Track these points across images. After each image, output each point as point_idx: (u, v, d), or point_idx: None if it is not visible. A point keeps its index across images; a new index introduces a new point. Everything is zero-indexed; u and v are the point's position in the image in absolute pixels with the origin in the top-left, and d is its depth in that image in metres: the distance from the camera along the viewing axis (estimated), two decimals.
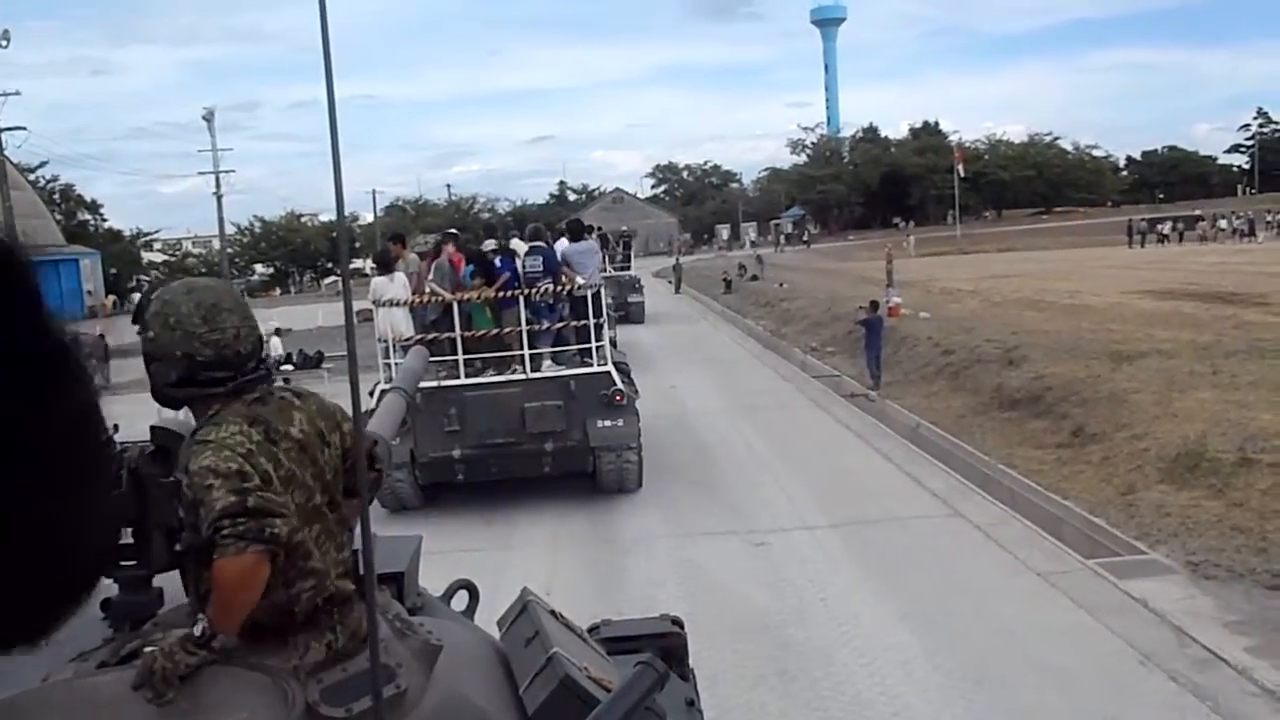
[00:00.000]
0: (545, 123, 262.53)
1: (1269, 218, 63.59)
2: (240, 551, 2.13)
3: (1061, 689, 6.81)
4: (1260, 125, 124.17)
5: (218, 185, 70.63)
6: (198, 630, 2.10)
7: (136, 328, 2.53)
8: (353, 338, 1.49)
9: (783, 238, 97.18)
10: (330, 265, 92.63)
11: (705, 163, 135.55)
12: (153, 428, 2.63)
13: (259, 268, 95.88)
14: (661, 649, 4.01)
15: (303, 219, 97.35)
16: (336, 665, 2.26)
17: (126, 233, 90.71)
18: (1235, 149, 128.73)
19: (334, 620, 2.34)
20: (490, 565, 9.60)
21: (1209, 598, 8.17)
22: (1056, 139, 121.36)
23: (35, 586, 0.71)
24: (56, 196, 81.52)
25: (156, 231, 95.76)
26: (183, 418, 3.09)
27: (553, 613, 3.32)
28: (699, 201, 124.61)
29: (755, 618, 8.40)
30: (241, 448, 2.27)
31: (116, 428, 2.75)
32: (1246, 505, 9.74)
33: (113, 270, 78.67)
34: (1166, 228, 67.02)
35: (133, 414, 3.48)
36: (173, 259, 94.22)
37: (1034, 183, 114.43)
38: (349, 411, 2.74)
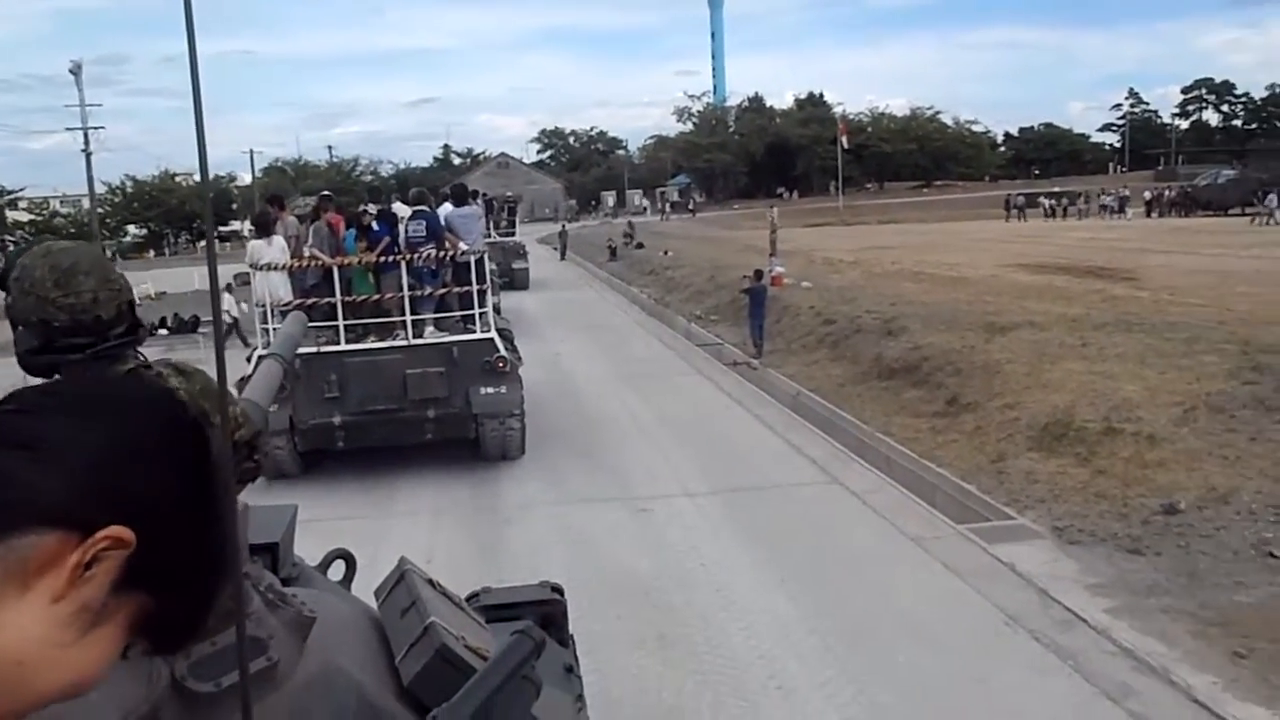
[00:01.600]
0: (428, 85, 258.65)
1: (1146, 194, 65.69)
2: None
3: (932, 650, 7.01)
4: (1131, 105, 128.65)
5: (86, 142, 67.88)
6: None
7: (3, 293, 2.43)
8: (219, 312, 1.46)
9: (668, 205, 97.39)
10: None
11: (591, 129, 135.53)
12: (9, 395, 2.54)
13: (131, 229, 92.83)
14: (541, 616, 4.02)
15: (177, 178, 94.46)
16: (205, 640, 2.22)
17: None
18: (1107, 128, 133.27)
19: None
20: (371, 533, 9.52)
21: (1072, 561, 8.48)
22: (938, 113, 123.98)
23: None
24: None
25: (21, 189, 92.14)
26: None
27: (430, 581, 3.30)
28: (585, 168, 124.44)
29: (636, 583, 8.47)
30: None
31: None
32: (1110, 472, 10.12)
33: None
34: (1050, 203, 68.90)
35: None
36: (39, 219, 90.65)
37: (915, 156, 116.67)
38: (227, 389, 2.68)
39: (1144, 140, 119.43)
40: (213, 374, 2.64)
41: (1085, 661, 6.73)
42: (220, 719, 1.76)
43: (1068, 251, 32.98)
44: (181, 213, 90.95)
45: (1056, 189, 78.00)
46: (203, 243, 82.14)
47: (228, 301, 22.25)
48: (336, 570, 3.68)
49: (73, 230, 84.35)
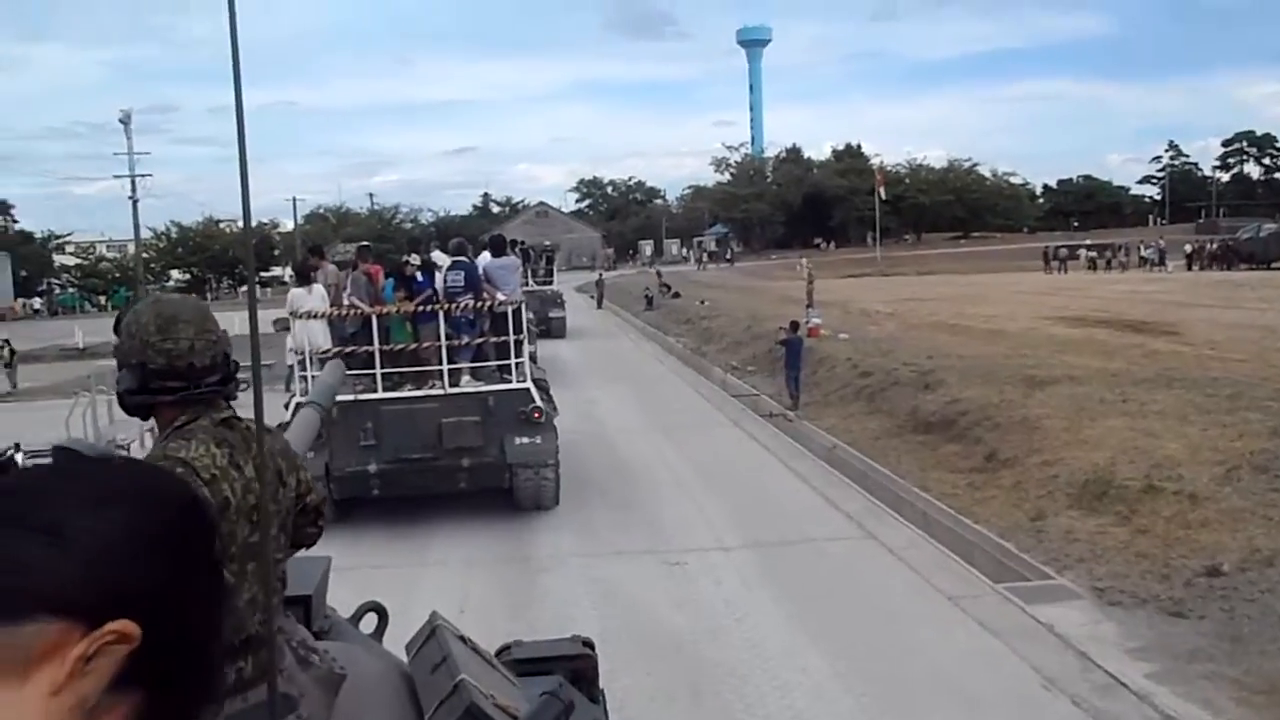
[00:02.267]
0: (466, 134, 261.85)
1: (1187, 247, 65.17)
2: None
3: (970, 711, 6.90)
4: (1171, 157, 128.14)
5: (133, 188, 69.22)
6: None
7: (117, 338, 2.56)
8: (258, 364, 1.47)
9: (705, 255, 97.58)
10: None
11: (629, 178, 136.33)
12: (55, 447, 2.57)
13: (175, 274, 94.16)
14: (571, 671, 4.01)
15: (220, 224, 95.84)
16: (238, 695, 2.22)
17: (38, 234, 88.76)
18: (1146, 180, 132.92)
19: (246, 653, 2.30)
20: (403, 583, 9.51)
21: (1113, 623, 8.33)
22: (975, 165, 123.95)
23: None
24: None
25: (69, 234, 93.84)
26: (93, 440, 3.02)
27: (461, 638, 3.29)
28: (623, 217, 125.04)
29: (669, 638, 8.41)
30: (207, 472, 2.27)
31: (18, 446, 2.69)
32: (1151, 532, 9.97)
33: (23, 272, 76.96)
34: (1092, 254, 68.44)
35: (37, 422, 3.38)
36: (85, 262, 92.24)
37: (953, 207, 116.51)
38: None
39: (1184, 192, 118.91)
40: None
41: None
42: None
43: (1107, 305, 32.75)
44: (224, 259, 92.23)
45: (1093, 241, 77.59)
46: (244, 288, 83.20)
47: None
48: (368, 623, 3.68)
49: (117, 275, 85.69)
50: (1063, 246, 72.27)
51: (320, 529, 2.80)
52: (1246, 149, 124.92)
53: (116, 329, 2.54)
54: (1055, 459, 12.28)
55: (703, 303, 40.51)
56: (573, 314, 37.36)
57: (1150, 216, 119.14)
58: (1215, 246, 63.18)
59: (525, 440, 11.85)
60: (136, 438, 11.70)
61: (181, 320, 2.44)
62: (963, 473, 13.25)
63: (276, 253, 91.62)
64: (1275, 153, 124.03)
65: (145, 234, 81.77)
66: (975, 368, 17.98)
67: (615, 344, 34.31)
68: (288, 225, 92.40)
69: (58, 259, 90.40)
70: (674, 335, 34.28)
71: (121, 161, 69.96)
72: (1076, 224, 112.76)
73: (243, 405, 2.24)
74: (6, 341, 30.01)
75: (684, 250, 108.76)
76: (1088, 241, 77.72)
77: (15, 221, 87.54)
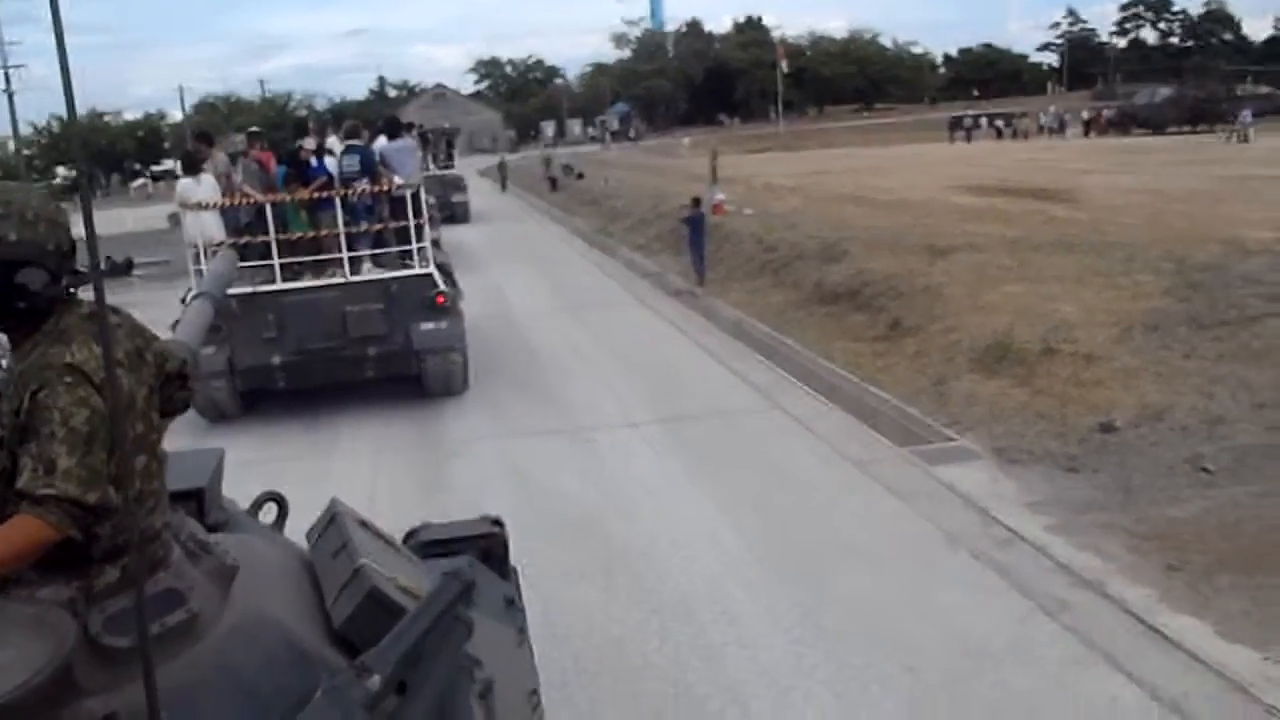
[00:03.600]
0: (360, 14, 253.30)
1: (1085, 114, 65.99)
2: (61, 528, 2.00)
3: (875, 572, 7.09)
4: (1070, 24, 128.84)
5: (7, 82, 66.22)
6: None
7: None
8: (95, 251, 1.39)
9: (608, 135, 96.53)
10: (138, 168, 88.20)
11: (529, 57, 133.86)
12: None
13: (61, 170, 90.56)
14: (482, 550, 4.03)
15: (105, 117, 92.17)
16: (120, 594, 2.17)
17: None
18: (1046, 47, 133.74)
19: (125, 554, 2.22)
20: (313, 473, 9.46)
21: (1012, 481, 8.58)
22: (877, 35, 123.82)
23: None
24: None
25: None
26: None
27: (362, 522, 3.26)
28: (523, 98, 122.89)
29: (580, 515, 8.48)
30: (96, 375, 2.11)
31: None
32: (1048, 392, 10.23)
33: None
34: (1000, 124, 68.96)
35: None
36: None
37: (855, 79, 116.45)
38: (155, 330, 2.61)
39: (1083, 59, 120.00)
40: (143, 317, 2.56)
41: (1023, 578, 6.83)
42: (139, 674, 1.72)
43: (1008, 173, 33.10)
44: (112, 153, 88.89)
45: (994, 111, 78.15)
46: (135, 183, 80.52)
47: None
48: (268, 514, 3.64)
49: (0, 173, 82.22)
50: (967, 116, 72.77)
51: (191, 391, 2.64)
52: (1143, 14, 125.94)
53: None
54: (957, 325, 12.49)
55: (607, 182, 40.16)
56: (476, 198, 36.88)
57: (1049, 84, 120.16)
58: (1112, 113, 64.07)
59: (431, 326, 11.73)
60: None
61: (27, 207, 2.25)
62: (867, 341, 13.43)
63: (166, 145, 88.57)
64: (1171, 17, 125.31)
65: (25, 129, 78.53)
66: (879, 239, 18.12)
67: (520, 227, 33.98)
68: (176, 116, 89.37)
69: None
70: (579, 216, 34.01)
71: None
72: (977, 93, 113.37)
73: (141, 304, 2.15)
74: None
75: (587, 130, 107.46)
76: (989, 111, 78.29)
77: None
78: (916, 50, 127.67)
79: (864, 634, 6.25)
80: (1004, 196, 25.89)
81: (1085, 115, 65.87)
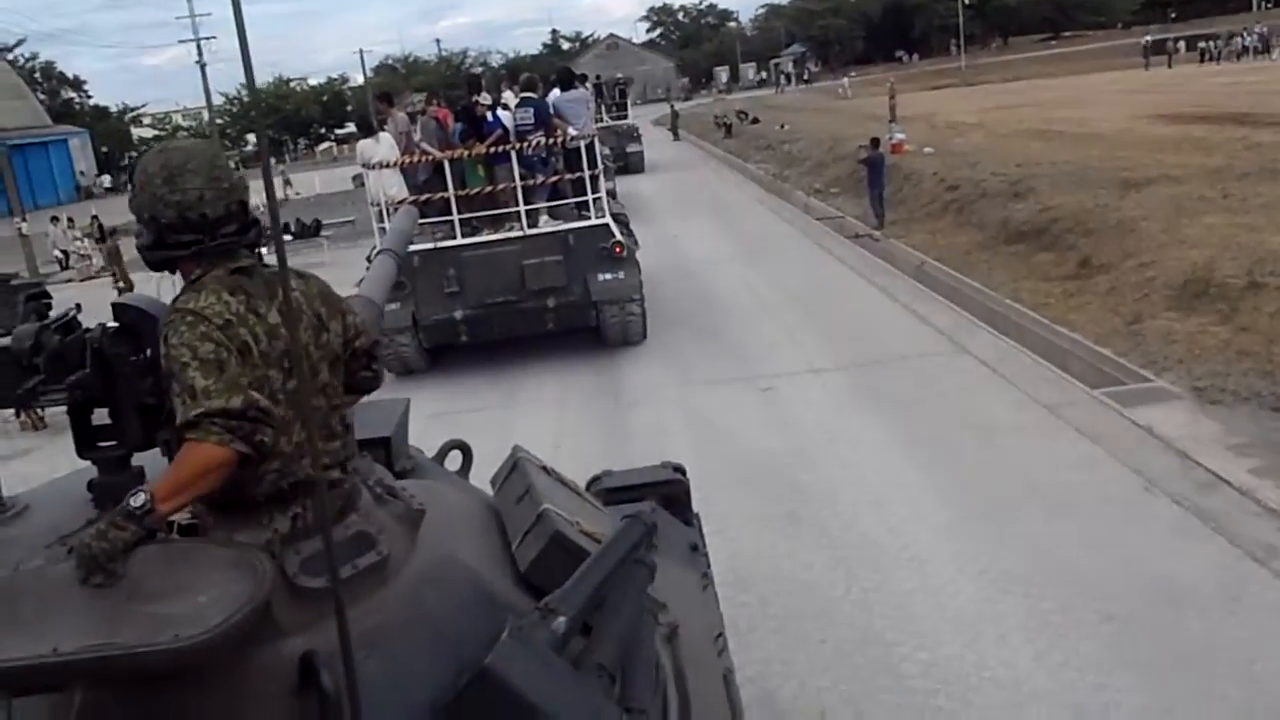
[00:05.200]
0: None
1: None
2: (224, 443, 2.07)
3: (1069, 518, 6.85)
4: None
5: (199, 54, 69.09)
6: (137, 502, 2.02)
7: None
8: (277, 217, 1.40)
9: (783, 77, 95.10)
10: (323, 131, 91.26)
11: (701, 3, 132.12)
12: (115, 305, 2.56)
13: (251, 137, 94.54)
14: (664, 496, 4.03)
15: (291, 84, 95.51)
16: (315, 536, 2.22)
17: (113, 109, 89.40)
18: None
19: (299, 497, 2.27)
20: (497, 424, 9.67)
21: (1214, 422, 8.16)
22: None
23: None
24: (38, 75, 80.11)
25: (144, 105, 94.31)
26: (154, 293, 3.00)
27: (545, 469, 3.29)
28: (696, 44, 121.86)
29: (763, 462, 8.44)
30: (220, 318, 2.19)
31: (79, 306, 2.68)
32: (1254, 329, 9.67)
33: (104, 149, 77.80)
34: (1203, 45, 64.61)
35: (129, 295, 3.38)
36: (163, 133, 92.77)
37: (1041, 6, 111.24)
38: (345, 300, 2.66)
39: None
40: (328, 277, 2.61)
41: (1229, 523, 6.50)
42: (333, 613, 1.76)
43: (1207, 99, 31.32)
44: (298, 119, 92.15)
45: (1191, 33, 73.55)
46: (321, 146, 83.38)
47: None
48: (453, 462, 3.70)
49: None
50: (1171, 38, 68.58)
51: (376, 373, 2.68)
52: None
53: (131, 182, 2.44)
54: (1152, 261, 11.91)
55: (782, 127, 39.63)
56: (650, 148, 36.87)
57: (1254, 1, 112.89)
58: None
59: (609, 276, 11.80)
60: None
61: (189, 169, 2.31)
62: (1056, 281, 12.93)
63: (350, 109, 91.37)
64: None
65: (217, 99, 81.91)
66: (1067, 174, 17.41)
67: (695, 175, 33.86)
68: (358, 79, 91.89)
69: (135, 132, 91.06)
70: (754, 162, 33.69)
71: (186, 26, 69.58)
72: (1174, 14, 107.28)
73: (329, 264, 2.19)
74: (95, 218, 30.51)
75: (760, 74, 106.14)
76: (1187, 33, 73.81)
77: (89, 97, 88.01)
78: None
79: (1058, 581, 6.05)
80: (1203, 124, 24.50)
81: None
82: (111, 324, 2.51)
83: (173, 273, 2.40)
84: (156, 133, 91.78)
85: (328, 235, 24.96)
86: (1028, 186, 16.90)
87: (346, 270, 8.01)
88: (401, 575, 2.36)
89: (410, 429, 3.51)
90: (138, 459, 2.52)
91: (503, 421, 9.96)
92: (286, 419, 2.23)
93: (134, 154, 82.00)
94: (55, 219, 31.08)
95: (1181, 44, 67.43)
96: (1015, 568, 6.26)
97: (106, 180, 65.45)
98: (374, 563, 2.30)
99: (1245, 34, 64.34)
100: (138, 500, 2.01)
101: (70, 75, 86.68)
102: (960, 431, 8.66)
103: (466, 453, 3.70)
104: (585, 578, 2.44)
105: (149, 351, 2.46)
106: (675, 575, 3.29)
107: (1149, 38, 67.98)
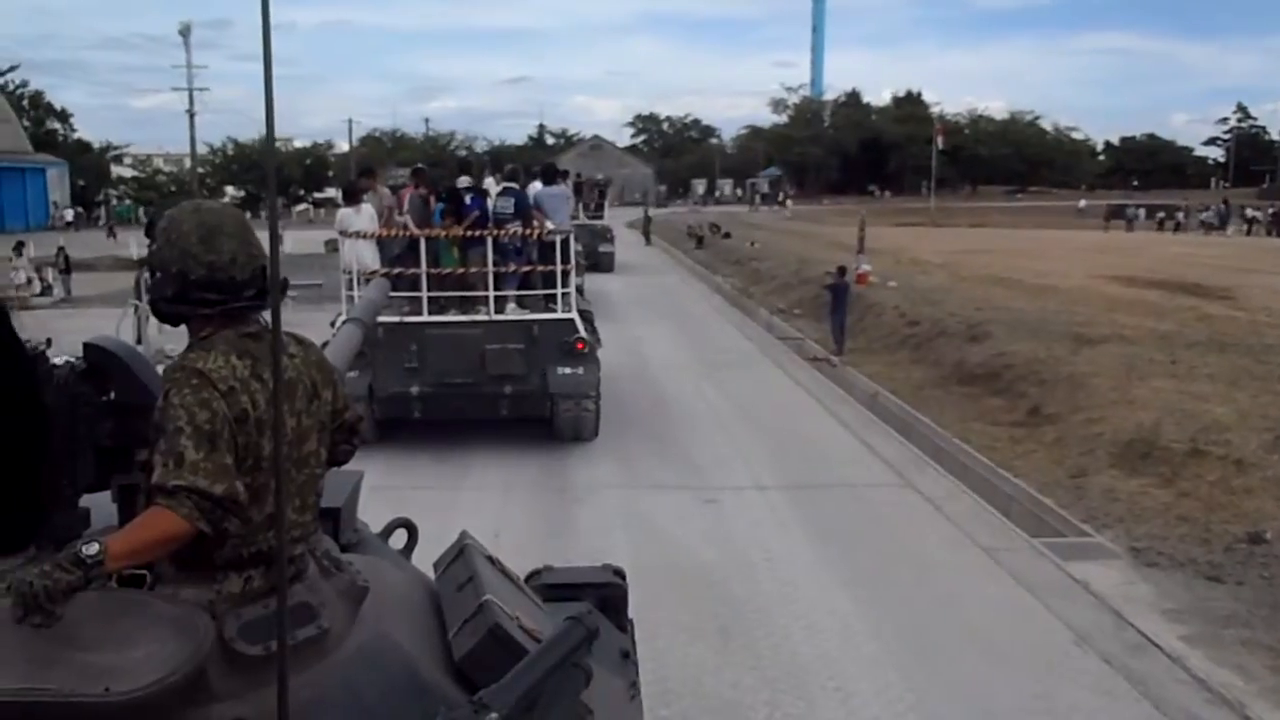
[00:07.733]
0: (524, 63, 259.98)
1: (1248, 212, 63.53)
2: (191, 519, 2.08)
3: (997, 664, 6.86)
4: (1239, 120, 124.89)
5: (191, 102, 69.47)
6: (90, 551, 2.00)
7: (148, 240, 2.49)
8: (276, 279, 1.43)
9: (758, 197, 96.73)
10: (302, 193, 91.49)
11: (686, 115, 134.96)
12: (86, 345, 2.56)
13: (230, 189, 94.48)
14: (601, 598, 4.00)
15: (276, 143, 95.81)
16: (259, 601, 2.21)
17: (96, 144, 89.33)
18: (1212, 141, 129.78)
19: (258, 565, 2.28)
20: (440, 504, 9.57)
21: (1149, 584, 8.24)
22: (1037, 118, 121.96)
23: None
24: (25, 102, 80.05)
25: (127, 145, 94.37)
26: (128, 338, 3.00)
27: (490, 558, 3.28)
28: (677, 154, 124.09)
29: (700, 573, 8.41)
30: (224, 384, 2.23)
31: (49, 342, 2.68)
32: (1194, 495, 9.83)
33: (80, 182, 77.59)
34: (1160, 214, 66.79)
35: (88, 329, 3.38)
36: (142, 175, 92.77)
37: (1011, 160, 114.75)
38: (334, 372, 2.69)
39: (1250, 156, 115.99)
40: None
41: (1156, 688, 6.53)
42: (268, 681, 1.75)
43: (1162, 266, 32.17)
44: (280, 177, 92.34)
45: (1151, 202, 75.86)
46: (298, 207, 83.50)
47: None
48: (398, 539, 3.68)
49: (174, 188, 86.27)
50: (1128, 206, 70.70)
51: (355, 446, 2.75)
52: None
53: (149, 233, 2.48)
54: (1099, 417, 12.12)
55: (753, 244, 40.22)
56: (622, 249, 37.22)
57: (1213, 179, 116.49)
58: (1274, 211, 61.70)
59: (568, 370, 11.85)
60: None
61: (225, 232, 2.38)
62: (1005, 426, 13.12)
63: (331, 174, 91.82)
64: None
65: (202, 149, 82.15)
66: (1024, 322, 17.76)
67: (663, 281, 34.17)
68: (343, 147, 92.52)
69: (115, 170, 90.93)
70: (722, 275, 34.09)
71: (179, 74, 70.01)
72: (1136, 183, 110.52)
73: (293, 325, 2.21)
74: (61, 249, 30.31)
75: (736, 191, 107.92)
76: (1147, 202, 76.05)
77: (74, 130, 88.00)
78: (1076, 136, 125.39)
79: None
80: (1157, 290, 25.14)
81: (1249, 213, 63.31)
82: (80, 362, 2.52)
83: (175, 325, 2.44)
84: (135, 173, 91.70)
85: (293, 295, 24.73)
86: (985, 330, 17.21)
87: (309, 332, 7.90)
88: (338, 652, 2.34)
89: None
90: (85, 500, 2.51)
91: (447, 502, 9.88)
92: (268, 486, 2.24)
93: (111, 191, 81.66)
94: (20, 245, 30.77)
95: (1141, 211, 69.48)
96: (940, 709, 6.24)
97: (69, 214, 64.93)
98: (313, 635, 2.29)
99: (1201, 210, 66.47)
100: (91, 549, 1.99)
101: (58, 107, 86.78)
102: (898, 565, 8.70)
103: (413, 532, 3.68)
104: (521, 676, 2.42)
105: (113, 394, 2.47)
106: (605, 681, 3.27)
107: (1117, 203, 70.03)
